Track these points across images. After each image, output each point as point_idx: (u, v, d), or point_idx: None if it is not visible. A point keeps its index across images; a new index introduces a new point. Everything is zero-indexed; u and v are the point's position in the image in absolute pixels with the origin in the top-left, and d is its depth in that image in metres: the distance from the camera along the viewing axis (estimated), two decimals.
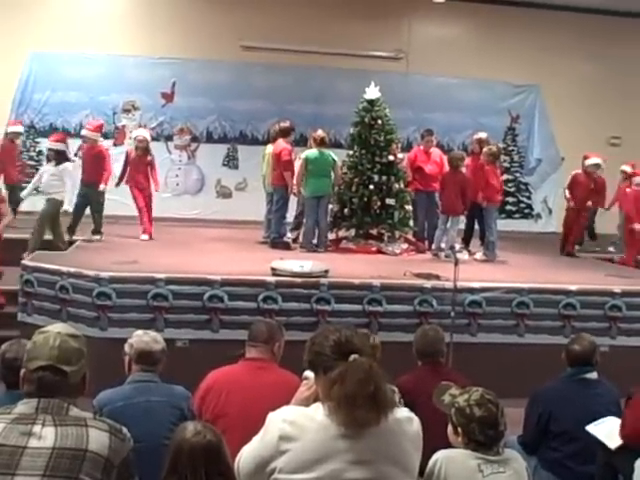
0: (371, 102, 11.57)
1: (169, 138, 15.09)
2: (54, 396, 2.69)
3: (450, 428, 3.71)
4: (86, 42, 14.23)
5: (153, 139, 14.76)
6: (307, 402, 2.87)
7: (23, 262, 8.77)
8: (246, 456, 2.78)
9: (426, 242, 11.77)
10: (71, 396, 2.75)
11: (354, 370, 2.61)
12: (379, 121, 11.48)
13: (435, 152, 12.07)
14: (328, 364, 2.70)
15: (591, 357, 5.36)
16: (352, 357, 2.66)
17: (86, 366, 2.83)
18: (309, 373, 2.94)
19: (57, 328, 2.85)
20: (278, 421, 2.66)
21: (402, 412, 2.76)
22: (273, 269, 8.46)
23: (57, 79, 14.46)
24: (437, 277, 8.77)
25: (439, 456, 3.58)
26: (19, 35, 13.95)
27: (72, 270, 8.26)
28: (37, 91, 14.49)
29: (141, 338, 4.72)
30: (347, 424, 2.59)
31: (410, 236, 11.83)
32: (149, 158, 11.72)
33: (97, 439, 2.63)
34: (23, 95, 14.44)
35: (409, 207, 11.60)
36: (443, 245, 10.97)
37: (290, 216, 11.89)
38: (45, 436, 2.58)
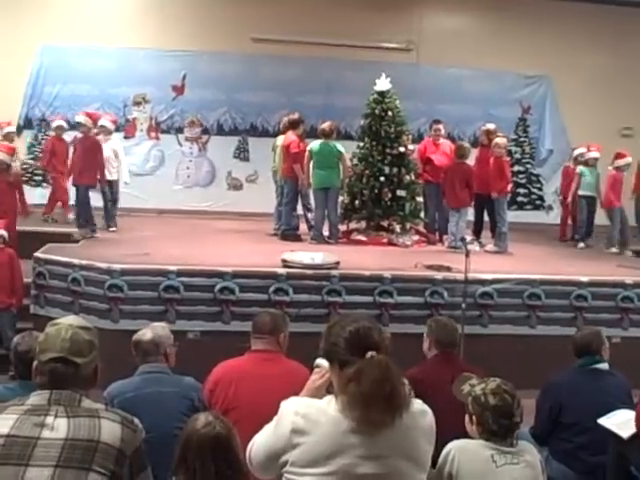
0: (382, 94, 11.54)
1: (180, 131, 15.11)
2: (66, 388, 2.71)
3: (467, 417, 3.72)
4: (96, 35, 14.24)
5: (164, 132, 14.92)
6: (319, 391, 2.86)
7: (35, 254, 8.80)
8: (258, 447, 2.78)
9: (437, 234, 11.75)
10: (83, 387, 2.77)
11: (370, 369, 2.58)
12: (390, 113, 11.46)
13: (444, 143, 12.05)
14: (343, 357, 2.68)
15: (590, 345, 5.35)
16: (369, 354, 2.62)
17: (98, 358, 2.85)
18: (322, 361, 2.91)
19: (69, 320, 2.87)
20: (291, 414, 2.65)
21: (416, 405, 2.73)
22: (284, 261, 8.47)
23: (68, 72, 14.48)
24: (448, 269, 8.76)
25: (452, 446, 3.59)
26: (29, 28, 13.97)
27: (84, 262, 8.30)
28: (48, 84, 14.52)
29: (142, 329, 4.79)
30: (361, 423, 2.57)
31: (421, 228, 11.82)
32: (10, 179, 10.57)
33: (109, 430, 2.64)
34: (34, 88, 14.48)
35: (420, 199, 11.59)
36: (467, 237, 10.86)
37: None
38: (58, 427, 2.60)
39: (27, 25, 13.98)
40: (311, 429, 2.60)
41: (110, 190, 11.43)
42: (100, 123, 11.66)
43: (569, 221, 13.33)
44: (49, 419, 2.62)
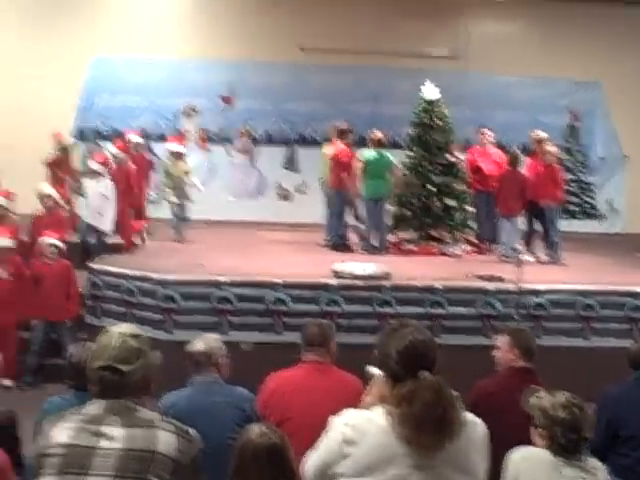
0: (430, 102, 11.51)
1: (229, 141, 15.22)
2: (118, 396, 2.74)
3: (532, 430, 3.66)
4: (147, 46, 14.47)
5: (213, 142, 15.04)
6: (373, 406, 2.85)
7: (90, 265, 8.95)
8: (311, 461, 2.79)
9: (488, 243, 11.65)
10: (136, 396, 2.78)
11: (423, 391, 2.56)
12: (438, 121, 11.43)
13: (494, 151, 11.95)
14: (396, 372, 2.67)
15: None
16: (422, 374, 2.60)
17: (149, 366, 2.84)
18: (374, 370, 2.90)
19: (120, 328, 2.90)
20: (340, 425, 2.66)
21: (467, 417, 2.71)
22: (335, 272, 8.48)
23: (119, 83, 14.74)
24: (500, 279, 8.68)
25: (517, 453, 3.54)
26: (82, 40, 14.25)
27: (138, 273, 8.41)
28: (100, 95, 14.76)
29: (194, 340, 4.83)
30: (411, 444, 2.55)
31: (472, 237, 11.74)
32: None
33: (165, 441, 2.67)
34: (86, 99, 14.73)
35: (470, 208, 11.51)
36: (518, 247, 10.76)
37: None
38: (115, 437, 2.63)
39: (80, 37, 14.26)
40: (361, 439, 2.61)
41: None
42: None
43: None
44: (106, 428, 2.65)
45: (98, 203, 10.43)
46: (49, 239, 8.68)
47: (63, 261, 8.77)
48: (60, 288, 8.51)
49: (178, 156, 11.37)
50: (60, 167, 11.74)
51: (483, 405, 3.41)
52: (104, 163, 11.05)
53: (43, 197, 9.84)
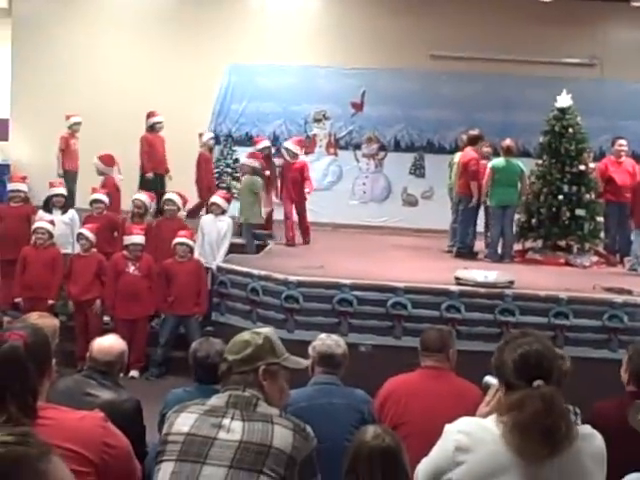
0: (562, 110, 11.27)
1: (357, 147, 15.33)
2: (245, 389, 2.86)
3: None
4: (280, 54, 14.74)
5: (342, 148, 15.19)
6: (489, 415, 2.85)
7: (218, 264, 9.25)
8: (423, 467, 2.80)
9: (618, 255, 11.31)
10: (258, 390, 2.89)
11: (533, 400, 2.54)
12: (570, 130, 11.17)
13: (627, 161, 11.59)
14: (510, 380, 2.66)
15: None
16: (536, 383, 2.58)
17: (258, 360, 2.91)
18: (491, 379, 2.90)
19: (258, 329, 3.07)
20: (454, 432, 2.65)
21: (583, 429, 2.68)
22: (457, 278, 8.44)
23: (253, 90, 15.09)
24: (629, 292, 8.43)
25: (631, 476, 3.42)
26: (219, 48, 14.66)
27: (262, 273, 8.62)
28: (235, 102, 15.18)
29: (324, 341, 4.87)
30: (519, 453, 2.54)
31: (600, 248, 11.42)
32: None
33: (281, 436, 2.77)
34: (222, 106, 15.17)
35: (600, 218, 11.21)
36: None
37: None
38: (234, 429, 2.76)
39: (217, 46, 14.67)
40: (475, 447, 2.60)
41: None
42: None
43: None
44: (226, 421, 2.78)
45: (215, 241, 9.99)
46: (181, 239, 9.04)
47: (194, 259, 9.11)
48: (191, 285, 8.86)
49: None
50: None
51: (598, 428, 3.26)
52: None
53: (166, 202, 10.20)
